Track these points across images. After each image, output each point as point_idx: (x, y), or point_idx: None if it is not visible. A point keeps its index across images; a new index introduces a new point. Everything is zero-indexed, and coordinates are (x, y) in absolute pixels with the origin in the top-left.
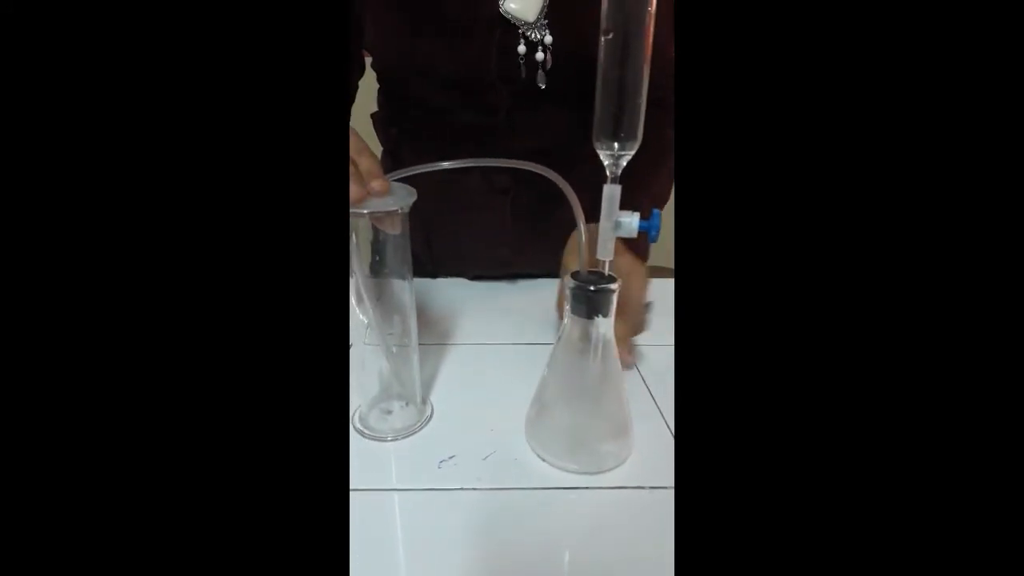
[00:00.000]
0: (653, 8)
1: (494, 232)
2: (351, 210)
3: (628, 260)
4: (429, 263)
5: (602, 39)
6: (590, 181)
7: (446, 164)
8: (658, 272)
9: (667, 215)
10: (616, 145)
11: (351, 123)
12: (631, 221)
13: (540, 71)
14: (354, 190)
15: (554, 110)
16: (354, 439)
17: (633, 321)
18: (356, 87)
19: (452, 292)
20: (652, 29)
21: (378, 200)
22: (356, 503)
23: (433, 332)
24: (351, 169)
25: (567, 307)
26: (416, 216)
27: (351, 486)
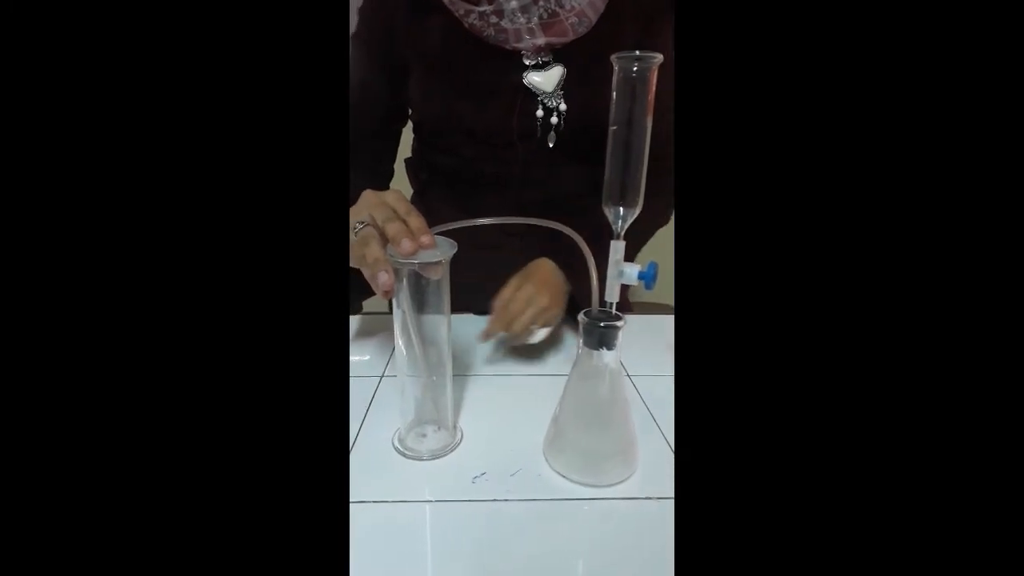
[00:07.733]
0: (651, 98)
1: (506, 269)
2: (404, 260)
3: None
4: None
5: (610, 129)
6: (592, 227)
7: (482, 221)
8: (659, 308)
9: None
10: (621, 209)
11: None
12: (632, 272)
13: (552, 132)
14: (407, 244)
15: (564, 165)
16: (394, 457)
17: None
18: (400, 133)
19: (466, 327)
20: (651, 120)
21: (426, 252)
22: (401, 512)
23: (455, 364)
24: (403, 227)
25: (579, 340)
26: None
27: (394, 498)
